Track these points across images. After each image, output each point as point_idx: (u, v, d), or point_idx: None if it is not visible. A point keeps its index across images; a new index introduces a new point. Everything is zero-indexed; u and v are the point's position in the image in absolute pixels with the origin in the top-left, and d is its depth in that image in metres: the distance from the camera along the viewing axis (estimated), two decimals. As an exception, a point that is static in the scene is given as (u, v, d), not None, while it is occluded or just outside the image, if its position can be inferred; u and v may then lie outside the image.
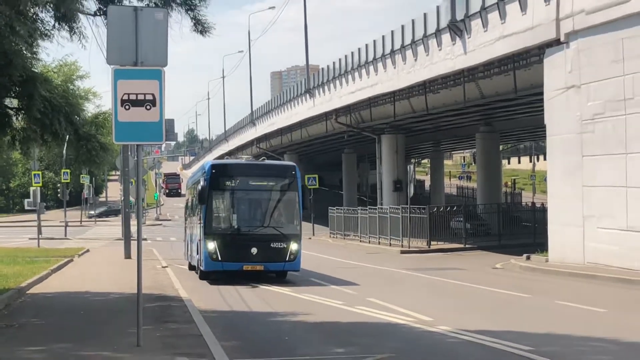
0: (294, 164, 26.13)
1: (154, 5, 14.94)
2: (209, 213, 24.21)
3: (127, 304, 16.25)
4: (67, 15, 13.98)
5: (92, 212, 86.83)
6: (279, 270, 24.72)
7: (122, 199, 43.92)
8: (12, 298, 19.19)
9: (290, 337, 14.20)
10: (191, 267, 28.51)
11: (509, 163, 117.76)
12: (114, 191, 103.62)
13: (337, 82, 53.45)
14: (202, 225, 24.40)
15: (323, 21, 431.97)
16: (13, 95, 16.36)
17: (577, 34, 27.92)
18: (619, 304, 19.17)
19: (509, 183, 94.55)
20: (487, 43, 33.88)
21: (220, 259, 23.58)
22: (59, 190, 75.34)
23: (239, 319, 16.94)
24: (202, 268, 24.62)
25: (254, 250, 23.61)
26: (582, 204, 27.99)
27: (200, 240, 24.74)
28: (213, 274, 24.30)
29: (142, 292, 12.51)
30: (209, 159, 79.29)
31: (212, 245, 23.66)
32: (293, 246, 24.06)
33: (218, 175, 24.43)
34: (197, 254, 25.75)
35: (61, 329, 14.37)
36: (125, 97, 11.42)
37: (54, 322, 15.54)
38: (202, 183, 24.38)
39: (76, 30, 14.94)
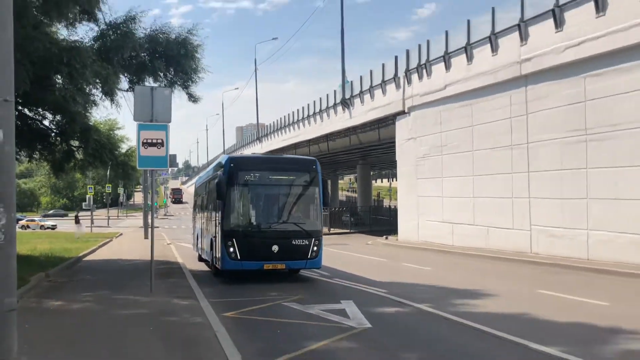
0: (315, 158, 16.24)
1: (163, 85, 14.82)
2: (226, 209, 14.44)
3: (145, 266, 15.95)
4: (109, 91, 13.75)
5: (46, 212, 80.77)
6: (301, 268, 15.39)
7: (144, 202, 43.40)
8: (74, 263, 18.94)
9: (243, 287, 13.99)
10: (201, 259, 19.83)
11: (376, 182, 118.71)
12: (139, 198, 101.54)
13: (276, 134, 53.44)
14: (219, 222, 14.69)
15: (269, 97, 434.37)
16: (75, 138, 16.04)
17: (414, 107, 28.55)
18: (437, 264, 19.49)
19: (377, 194, 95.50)
20: (363, 112, 34.36)
21: (239, 257, 14.18)
22: (104, 197, 73.85)
23: (212, 276, 16.63)
24: (219, 267, 14.90)
25: (275, 248, 14.30)
26: (417, 207, 28.56)
27: (216, 237, 15.16)
28: (231, 273, 14.93)
29: (154, 259, 12.43)
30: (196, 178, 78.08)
31: (230, 244, 14.21)
32: (315, 243, 14.75)
33: (237, 170, 14.65)
34: (212, 249, 16.16)
35: (103, 282, 14.09)
36: (145, 141, 11.42)
37: (99, 277, 15.24)
38: (219, 178, 14.82)
39: (114, 101, 14.71)
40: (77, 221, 36.96)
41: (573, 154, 19.22)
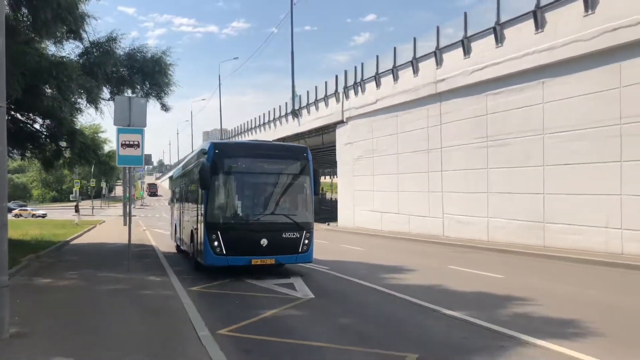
0: (306, 146, 12.51)
1: (140, 96, 14.38)
2: (210, 200, 10.75)
3: (124, 249, 15.43)
4: (93, 100, 13.25)
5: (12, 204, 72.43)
6: (291, 263, 11.66)
7: (123, 194, 42.23)
8: (62, 246, 18.16)
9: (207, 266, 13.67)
10: (179, 250, 16.47)
11: (320, 179, 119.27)
12: (119, 190, 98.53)
13: (237, 137, 52.67)
14: (202, 213, 11.02)
15: (231, 106, 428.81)
16: (63, 140, 15.38)
17: (351, 118, 28.71)
18: (369, 246, 19.59)
19: (321, 189, 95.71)
20: (310, 121, 34.34)
21: (225, 252, 10.62)
22: (89, 189, 71.24)
23: (181, 257, 16.27)
24: (202, 262, 11.18)
25: (264, 242, 10.73)
26: (353, 199, 28.76)
27: (198, 229, 11.64)
28: (215, 269, 11.10)
29: (132, 242, 12.07)
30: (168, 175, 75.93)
31: (215, 237, 10.62)
32: (306, 236, 11.31)
33: (222, 157, 10.86)
34: (192, 242, 12.60)
35: (87, 262, 13.57)
36: (123, 142, 11.04)
37: (84, 258, 14.66)
38: (202, 165, 10.72)
39: (98, 108, 14.17)
40: (77, 210, 36.40)
41: (477, 157, 19.80)
